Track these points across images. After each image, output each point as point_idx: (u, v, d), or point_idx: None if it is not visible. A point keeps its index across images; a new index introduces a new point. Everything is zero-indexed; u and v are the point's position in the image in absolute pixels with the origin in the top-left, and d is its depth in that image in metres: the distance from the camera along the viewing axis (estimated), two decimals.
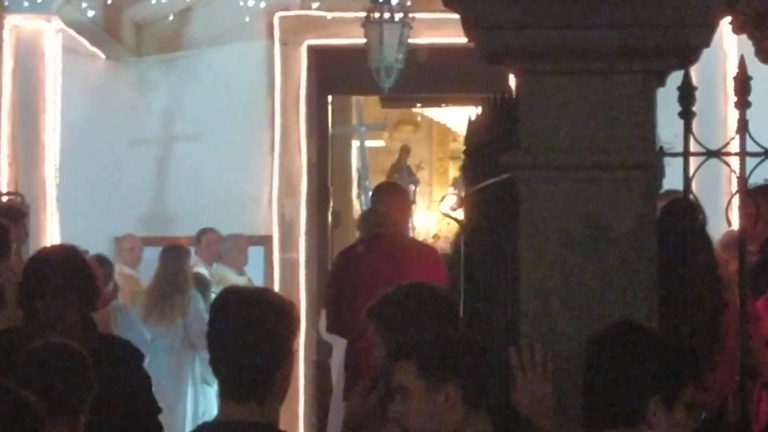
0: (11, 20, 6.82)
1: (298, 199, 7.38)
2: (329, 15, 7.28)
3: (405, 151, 11.49)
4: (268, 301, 1.89)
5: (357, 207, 8.87)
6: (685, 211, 2.51)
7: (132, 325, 5.82)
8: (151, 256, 6.64)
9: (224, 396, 1.84)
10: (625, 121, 2.18)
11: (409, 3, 6.70)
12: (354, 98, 9.84)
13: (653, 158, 2.22)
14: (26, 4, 6.69)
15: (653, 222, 2.21)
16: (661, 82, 2.30)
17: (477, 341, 2.19)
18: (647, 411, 1.82)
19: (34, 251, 4.13)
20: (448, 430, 1.92)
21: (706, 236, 3.30)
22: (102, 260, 5.89)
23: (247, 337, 1.74)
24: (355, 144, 10.38)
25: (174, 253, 6.40)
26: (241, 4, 6.88)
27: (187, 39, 7.30)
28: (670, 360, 1.92)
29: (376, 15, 6.57)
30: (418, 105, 11.11)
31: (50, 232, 6.72)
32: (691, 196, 2.34)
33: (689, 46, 2.20)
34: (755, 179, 2.45)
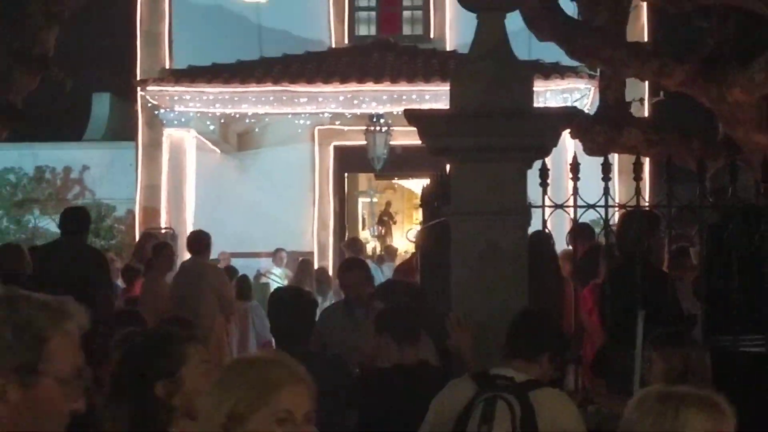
0: (167, 131, 11.02)
1: (328, 232, 11.53)
2: (346, 128, 11.19)
3: (388, 204, 15.01)
4: (304, 292, 3.85)
5: (362, 236, 12.99)
6: (544, 239, 3.78)
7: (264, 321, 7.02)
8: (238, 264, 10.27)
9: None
10: (509, 188, 3.28)
11: (390, 121, 10.50)
12: (360, 175, 13.65)
13: (525, 208, 3.36)
14: (175, 122, 11.20)
15: (525, 246, 3.27)
16: (530, 166, 3.41)
17: (433, 311, 3.49)
18: (542, 360, 2.73)
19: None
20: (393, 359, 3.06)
21: (554, 252, 4.33)
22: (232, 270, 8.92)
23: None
24: (361, 200, 14.60)
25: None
26: (296, 122, 11.30)
27: (266, 141, 11.54)
28: (554, 329, 2.87)
29: (372, 128, 10.55)
30: (396, 178, 14.35)
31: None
32: (546, 230, 3.62)
33: (546, 146, 3.36)
34: (586, 219, 4.04)
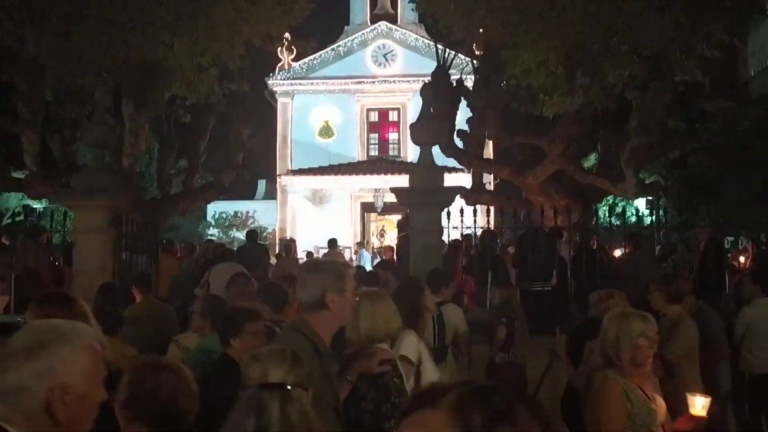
0: (290, 196, 25.33)
1: (357, 238, 25.02)
2: (365, 194, 24.89)
3: (383, 227, 24.86)
4: None
5: (372, 239, 25.78)
6: (490, 236, 9.77)
7: None
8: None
9: None
10: (434, 220, 7.90)
11: (383, 192, 24.12)
12: (372, 214, 26.52)
13: (441, 228, 8.13)
14: (293, 192, 25.22)
15: (440, 245, 8.40)
16: (443, 210, 8.07)
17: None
18: (446, 291, 5.65)
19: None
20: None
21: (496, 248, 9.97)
22: None
23: None
24: (372, 224, 27.80)
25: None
26: (344, 191, 24.93)
27: (331, 198, 25.27)
28: (448, 276, 6.20)
29: (376, 194, 24.22)
30: (386, 215, 24.18)
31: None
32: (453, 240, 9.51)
33: (449, 202, 8.10)
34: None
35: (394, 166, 23.64)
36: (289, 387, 2.16)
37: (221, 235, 25.15)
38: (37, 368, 1.61)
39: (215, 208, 24.37)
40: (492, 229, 10.27)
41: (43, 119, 11.64)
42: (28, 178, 11.41)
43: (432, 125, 8.51)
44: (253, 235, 12.68)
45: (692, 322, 5.36)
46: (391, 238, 22.03)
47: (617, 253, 11.17)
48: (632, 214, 11.98)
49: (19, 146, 11.49)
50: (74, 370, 1.64)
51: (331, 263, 3.09)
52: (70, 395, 1.62)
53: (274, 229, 25.05)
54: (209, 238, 20.01)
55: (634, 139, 9.97)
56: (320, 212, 24.64)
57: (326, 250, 16.68)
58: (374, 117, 25.95)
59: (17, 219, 13.63)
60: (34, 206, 15.00)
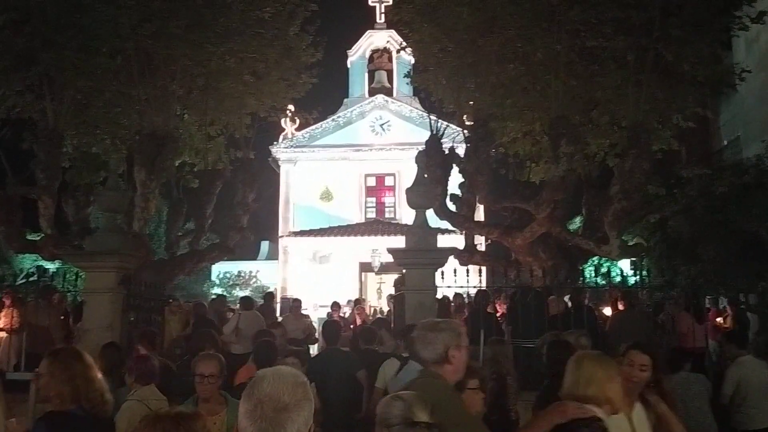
0: (291, 257, 25.41)
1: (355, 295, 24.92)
2: (363, 254, 25.01)
3: (380, 285, 27.08)
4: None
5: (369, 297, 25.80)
6: (482, 295, 9.63)
7: None
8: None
9: None
10: (428, 279, 7.91)
11: (380, 251, 24.21)
12: (369, 273, 26.81)
13: (435, 287, 8.12)
14: (293, 251, 25.24)
15: (433, 302, 8.03)
16: (437, 270, 8.07)
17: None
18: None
19: None
20: None
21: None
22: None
23: None
24: (369, 283, 27.73)
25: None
26: (343, 251, 24.97)
27: (331, 259, 25.30)
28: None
29: (373, 254, 24.31)
30: (382, 274, 24.23)
31: None
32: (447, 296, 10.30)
33: (443, 262, 8.18)
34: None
35: (390, 227, 23.76)
36: (430, 424, 2.36)
37: (225, 294, 24.99)
38: None
39: (219, 268, 24.31)
40: (484, 288, 10.27)
41: (59, 185, 11.75)
42: (43, 241, 11.44)
43: (426, 190, 8.62)
44: (269, 296, 14.14)
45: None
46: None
47: (607, 311, 11.13)
48: (617, 274, 11.99)
49: (36, 210, 11.56)
50: None
51: (449, 322, 3.22)
52: None
53: (276, 288, 24.90)
54: (213, 297, 19.91)
55: (616, 203, 10.09)
56: (320, 272, 24.57)
57: (327, 309, 16.60)
58: (372, 182, 26.23)
59: (31, 279, 13.60)
60: (47, 267, 14.95)
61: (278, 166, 26.33)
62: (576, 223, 15.30)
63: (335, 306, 15.16)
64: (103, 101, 11.70)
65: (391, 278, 23.65)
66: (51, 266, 14.28)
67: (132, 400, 4.50)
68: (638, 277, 9.84)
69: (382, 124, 26.17)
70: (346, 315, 18.27)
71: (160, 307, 9.91)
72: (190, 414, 2.48)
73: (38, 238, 11.87)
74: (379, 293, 24.58)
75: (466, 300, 10.86)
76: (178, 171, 13.93)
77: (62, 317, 10.43)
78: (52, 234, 11.36)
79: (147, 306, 9.18)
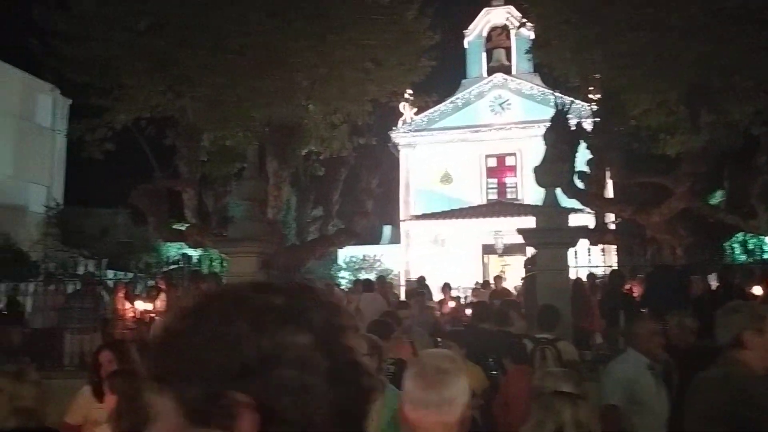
0: (412, 240, 25.77)
1: (479, 278, 24.82)
2: (486, 236, 24.85)
3: (503, 269, 28.13)
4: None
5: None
6: (580, 281, 11.28)
7: None
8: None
9: None
10: (560, 260, 7.73)
11: (502, 232, 24.02)
12: (491, 255, 27.00)
13: (567, 268, 8.01)
14: (415, 235, 25.56)
15: (568, 283, 7.93)
16: (568, 250, 8.06)
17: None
18: (558, 328, 5.64)
19: None
20: None
21: (584, 287, 9.44)
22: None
23: None
24: (491, 265, 27.64)
25: None
26: (465, 233, 24.93)
27: (452, 242, 25.38)
28: (559, 314, 6.13)
29: (496, 236, 24.18)
30: (505, 256, 27.79)
31: None
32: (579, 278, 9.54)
33: (574, 242, 8.04)
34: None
35: (513, 208, 23.34)
36: (576, 394, 2.71)
37: (351, 277, 25.73)
38: None
39: (346, 252, 25.03)
40: (618, 269, 9.92)
41: (199, 177, 12.61)
42: (188, 230, 12.35)
43: (554, 167, 8.43)
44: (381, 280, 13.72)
45: None
46: (510, 279, 21.73)
47: (756, 290, 10.39)
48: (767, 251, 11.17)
49: (180, 202, 12.50)
50: None
51: (748, 305, 3.19)
52: None
53: (399, 272, 25.30)
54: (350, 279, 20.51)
55: (766, 175, 9.36)
56: (442, 255, 24.66)
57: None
58: (492, 162, 25.88)
59: (177, 266, 14.74)
60: (191, 254, 16.14)
61: (398, 151, 26.64)
62: (716, 197, 14.35)
63: (446, 288, 15.20)
64: (235, 96, 12.37)
65: (514, 260, 23.55)
66: (194, 253, 15.40)
67: None
68: None
69: (502, 103, 25.72)
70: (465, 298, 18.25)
71: None
72: None
73: (183, 228, 12.82)
74: (502, 275, 24.31)
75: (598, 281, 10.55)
76: (305, 160, 14.53)
77: None
78: (196, 223, 12.24)
79: None
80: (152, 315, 11.26)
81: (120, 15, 11.32)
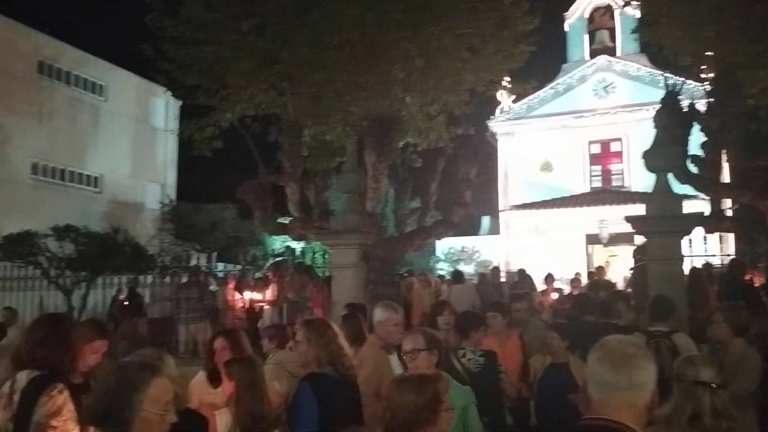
0: (512, 231, 25.37)
1: (584, 267, 24.05)
2: (590, 224, 24.00)
3: (609, 259, 26.86)
4: None
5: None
6: (698, 270, 9.18)
7: None
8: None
9: None
10: (673, 248, 7.17)
11: (607, 221, 23.12)
12: (596, 246, 26.04)
13: (681, 257, 7.64)
14: (515, 226, 25.11)
15: (681, 271, 7.45)
16: (682, 238, 7.30)
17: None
18: (670, 320, 5.25)
19: None
20: None
21: (702, 275, 9.20)
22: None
23: None
24: (595, 255, 26.67)
25: None
26: (568, 223, 24.24)
27: (553, 230, 24.71)
28: (673, 305, 5.48)
29: (601, 226, 23.30)
30: (610, 246, 26.64)
31: None
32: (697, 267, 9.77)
33: (689, 230, 7.53)
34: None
35: (619, 196, 22.41)
36: (714, 385, 2.80)
37: (450, 268, 25.67)
38: None
39: (444, 244, 24.99)
40: (738, 258, 9.30)
41: (301, 171, 12.97)
42: (291, 223, 12.74)
43: (666, 151, 8.00)
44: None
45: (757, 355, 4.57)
46: (618, 270, 20.92)
47: None
48: None
49: (283, 196, 12.92)
50: None
51: None
52: None
53: (498, 263, 24.99)
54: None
55: None
56: (543, 245, 24.08)
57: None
58: (596, 149, 24.92)
59: (282, 258, 15.28)
60: (294, 247, 16.67)
61: (496, 140, 26.22)
62: None
63: (549, 278, 14.81)
64: (334, 91, 12.61)
65: (620, 250, 22.70)
66: (297, 246, 15.88)
67: (270, 363, 4.83)
68: None
69: (606, 87, 24.70)
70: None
71: (395, 282, 10.52)
72: (433, 375, 2.68)
73: (287, 221, 13.24)
74: (607, 266, 23.53)
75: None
76: (402, 152, 14.60)
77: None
78: (299, 216, 12.61)
79: (383, 280, 9.78)
80: (261, 305, 11.74)
81: (226, 18, 11.81)
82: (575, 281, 14.42)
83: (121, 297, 13.30)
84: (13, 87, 21.66)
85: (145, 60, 12.93)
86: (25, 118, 22.10)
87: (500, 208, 25.67)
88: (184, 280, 12.30)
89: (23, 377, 2.96)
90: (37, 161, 22.97)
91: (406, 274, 11.80)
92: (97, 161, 25.29)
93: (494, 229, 26.76)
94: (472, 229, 27.16)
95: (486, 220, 27.94)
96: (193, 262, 14.36)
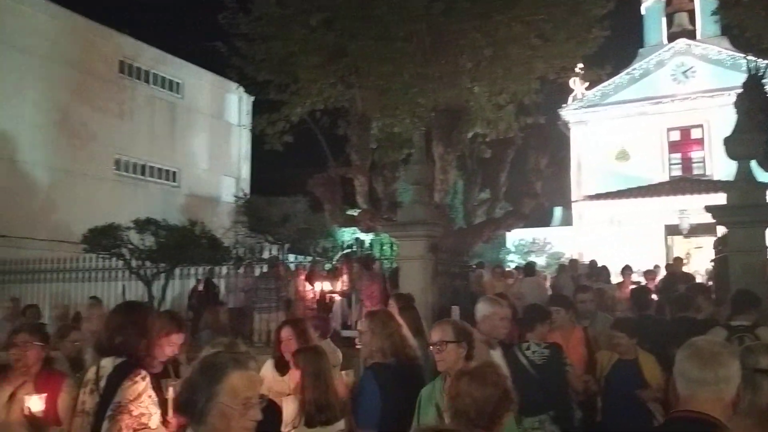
0: (585, 222, 24.72)
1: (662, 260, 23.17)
2: (669, 216, 23.09)
3: (689, 251, 25.78)
4: None
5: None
6: None
7: None
8: None
9: None
10: (757, 238, 6.86)
11: (688, 212, 22.16)
12: (675, 237, 25.00)
13: (765, 248, 6.94)
14: (588, 217, 24.45)
15: (764, 263, 6.83)
16: (765, 229, 6.97)
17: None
18: (753, 314, 5.04)
19: None
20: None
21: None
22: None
23: None
24: (674, 246, 25.59)
25: None
26: (645, 213, 23.43)
27: (629, 222, 23.93)
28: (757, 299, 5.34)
29: (681, 216, 22.38)
30: (691, 237, 25.26)
31: None
32: None
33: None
34: None
35: (700, 185, 21.51)
36: None
37: (520, 260, 25.32)
38: None
39: (514, 235, 24.62)
40: None
41: (369, 164, 13.07)
42: (360, 215, 12.88)
43: (748, 137, 7.61)
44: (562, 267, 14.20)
45: None
46: (698, 261, 20.11)
47: None
48: None
49: (352, 188, 13.07)
50: None
51: None
52: None
53: (570, 255, 24.45)
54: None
55: None
56: (619, 236, 23.38)
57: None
58: (675, 136, 23.97)
59: (351, 250, 15.46)
60: (363, 239, 16.82)
61: (568, 129, 25.60)
62: None
63: (627, 270, 14.39)
64: (402, 83, 12.63)
65: (701, 241, 21.80)
66: (366, 238, 16.02)
67: None
68: None
69: (685, 71, 23.68)
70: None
71: (465, 274, 10.46)
72: (495, 365, 2.68)
73: (356, 213, 13.39)
74: (688, 257, 22.61)
75: None
76: (471, 142, 14.47)
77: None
78: (367, 209, 12.73)
79: (451, 272, 9.75)
80: (332, 295, 11.94)
81: (294, 13, 12.03)
82: (649, 273, 13.91)
83: (199, 288, 13.79)
84: (96, 87, 22.74)
85: (219, 57, 13.35)
86: (107, 116, 23.16)
87: (573, 198, 25.08)
88: (258, 271, 12.64)
89: (108, 364, 3.09)
90: (119, 157, 24.03)
91: (475, 266, 11.72)
92: (175, 156, 26.25)
93: (566, 220, 26.17)
94: (544, 221, 26.63)
95: (558, 211, 27.34)
96: (266, 254, 14.71)
